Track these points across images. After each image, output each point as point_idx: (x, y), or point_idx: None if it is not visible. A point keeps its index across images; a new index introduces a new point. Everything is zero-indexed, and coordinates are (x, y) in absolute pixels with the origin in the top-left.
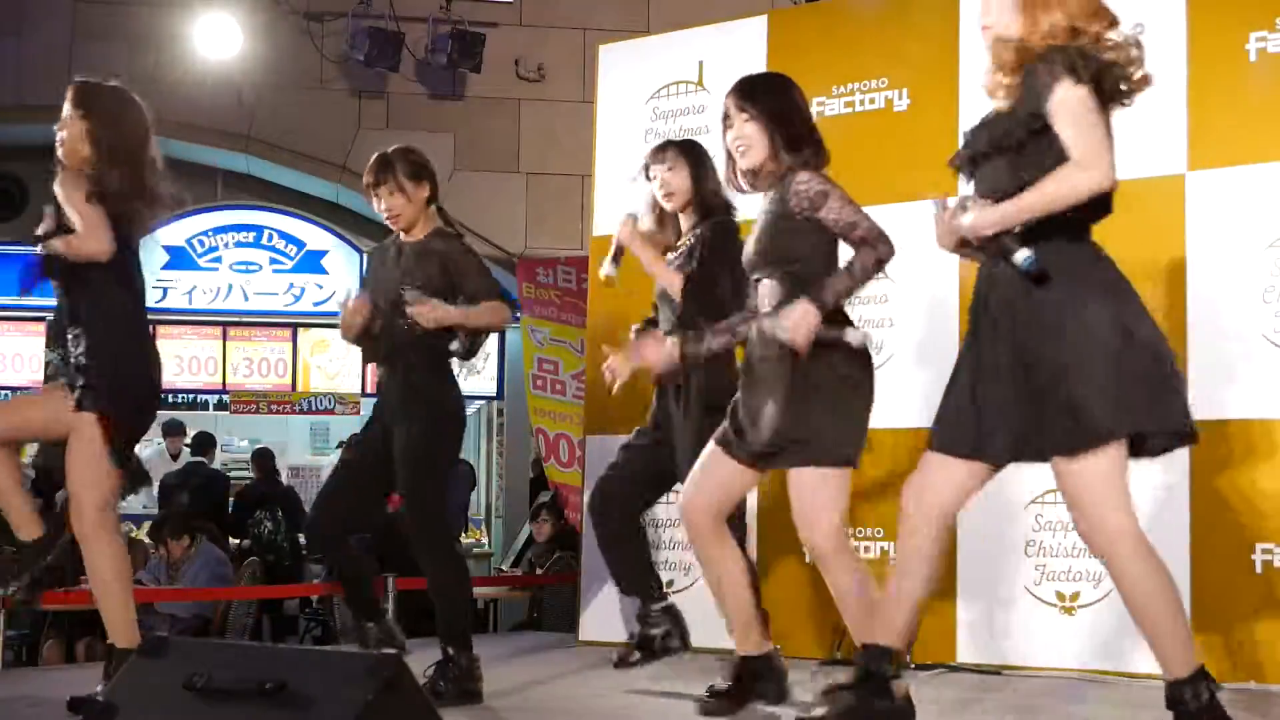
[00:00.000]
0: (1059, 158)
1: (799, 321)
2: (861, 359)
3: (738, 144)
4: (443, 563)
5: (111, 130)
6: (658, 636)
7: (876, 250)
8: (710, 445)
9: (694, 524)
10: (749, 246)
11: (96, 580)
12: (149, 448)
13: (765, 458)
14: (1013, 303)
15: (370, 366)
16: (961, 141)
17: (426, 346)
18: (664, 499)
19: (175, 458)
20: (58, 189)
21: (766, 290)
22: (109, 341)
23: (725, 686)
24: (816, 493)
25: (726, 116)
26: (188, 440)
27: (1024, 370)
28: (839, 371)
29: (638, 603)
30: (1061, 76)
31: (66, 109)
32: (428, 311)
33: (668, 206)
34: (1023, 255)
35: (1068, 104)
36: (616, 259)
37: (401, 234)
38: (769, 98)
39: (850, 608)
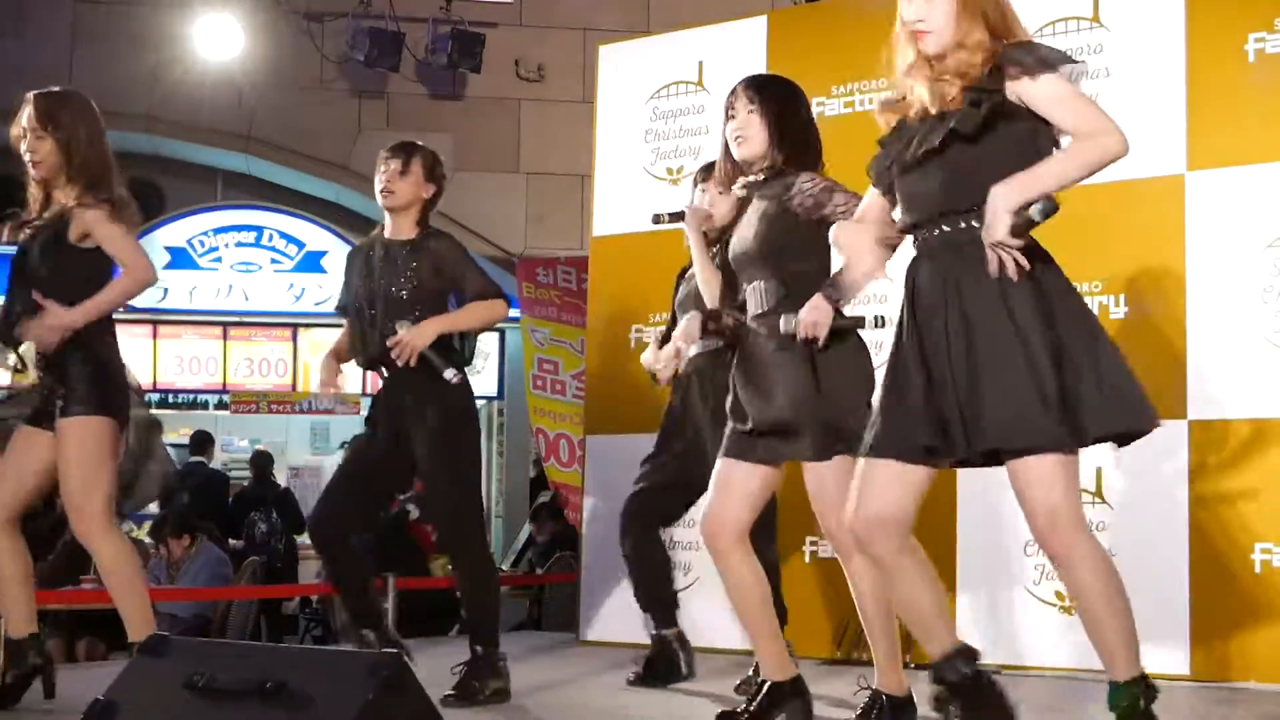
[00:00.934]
0: (1023, 145)
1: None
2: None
3: (737, 134)
4: (474, 562)
5: (84, 141)
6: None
7: None
8: (721, 461)
9: (721, 549)
10: (736, 245)
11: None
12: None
13: (783, 440)
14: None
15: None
16: (883, 152)
17: (434, 346)
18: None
19: None
20: (94, 228)
21: (761, 290)
22: (99, 346)
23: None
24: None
25: (730, 108)
26: (169, 439)
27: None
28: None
29: (651, 621)
30: (1038, 71)
31: (29, 122)
32: (414, 340)
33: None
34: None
35: (1054, 89)
36: (675, 218)
37: (386, 232)
38: (776, 95)
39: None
